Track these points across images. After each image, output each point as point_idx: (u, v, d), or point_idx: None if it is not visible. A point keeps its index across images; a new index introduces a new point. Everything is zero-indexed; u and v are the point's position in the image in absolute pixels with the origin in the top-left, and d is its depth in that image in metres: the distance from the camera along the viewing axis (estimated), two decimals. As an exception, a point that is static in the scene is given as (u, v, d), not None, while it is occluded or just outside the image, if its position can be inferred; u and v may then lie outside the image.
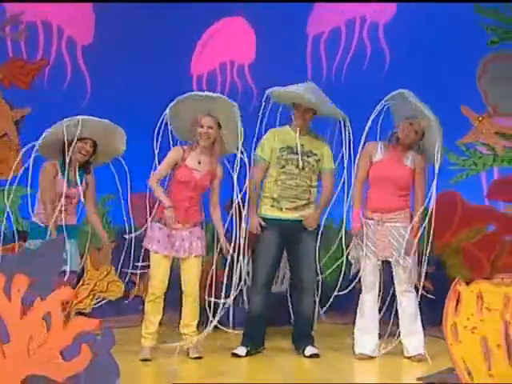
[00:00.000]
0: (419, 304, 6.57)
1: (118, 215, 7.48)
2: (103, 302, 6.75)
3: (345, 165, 6.89)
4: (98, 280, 6.02)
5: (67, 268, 6.37)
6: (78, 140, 6.62)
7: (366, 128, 6.67)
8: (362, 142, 6.73)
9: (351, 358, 6.60)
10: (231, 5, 8.78)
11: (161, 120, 6.73)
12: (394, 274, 6.70)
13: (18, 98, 8.24)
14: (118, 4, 8.58)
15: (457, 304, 3.36)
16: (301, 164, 6.76)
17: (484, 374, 3.30)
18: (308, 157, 6.83)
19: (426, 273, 6.66)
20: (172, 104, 6.77)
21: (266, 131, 6.98)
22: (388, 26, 8.72)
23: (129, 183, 6.97)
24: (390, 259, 6.65)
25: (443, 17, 8.03)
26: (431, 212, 6.65)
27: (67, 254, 6.58)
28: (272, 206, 6.86)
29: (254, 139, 6.92)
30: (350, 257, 6.87)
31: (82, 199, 6.78)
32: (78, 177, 6.74)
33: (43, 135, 6.63)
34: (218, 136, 6.71)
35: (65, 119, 6.60)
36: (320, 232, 6.95)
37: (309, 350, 6.72)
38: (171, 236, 6.61)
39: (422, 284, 6.66)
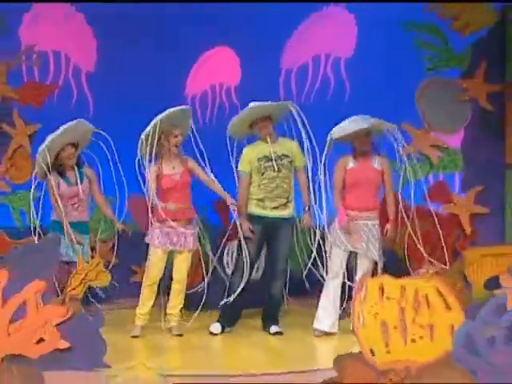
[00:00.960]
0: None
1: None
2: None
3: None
4: (89, 270, 5.99)
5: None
6: (61, 151, 6.76)
7: (325, 152, 6.81)
8: (323, 159, 6.80)
9: (311, 335, 6.66)
10: (220, 36, 8.78)
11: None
12: (358, 263, 6.76)
13: (31, 115, 8.28)
14: (118, 30, 8.54)
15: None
16: (276, 168, 6.81)
17: (383, 352, 3.41)
18: (281, 160, 6.85)
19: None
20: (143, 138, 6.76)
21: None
22: (348, 61, 8.75)
23: (126, 188, 7.03)
24: (359, 251, 6.71)
25: (391, 50, 8.09)
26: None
27: (82, 247, 6.81)
28: (257, 204, 6.89)
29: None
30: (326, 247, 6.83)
31: (82, 195, 6.84)
32: (77, 176, 6.86)
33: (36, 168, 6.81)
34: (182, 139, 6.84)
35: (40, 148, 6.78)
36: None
37: (273, 329, 6.79)
38: (169, 233, 6.71)
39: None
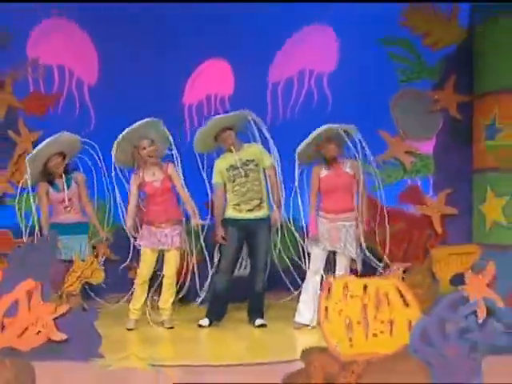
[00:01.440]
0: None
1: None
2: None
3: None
4: (84, 269, 6.07)
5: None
6: (48, 161, 6.84)
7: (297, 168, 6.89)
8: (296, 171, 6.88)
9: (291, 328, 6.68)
10: (215, 49, 8.84)
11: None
12: (337, 260, 6.75)
13: (36, 123, 8.32)
14: (118, 45, 8.59)
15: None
16: (244, 173, 6.81)
17: (347, 345, 3.47)
18: (247, 165, 6.85)
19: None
20: (115, 147, 6.84)
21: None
22: (330, 75, 8.87)
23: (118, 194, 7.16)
24: (338, 250, 6.71)
25: (369, 63, 8.16)
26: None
27: (81, 246, 6.86)
28: (234, 209, 6.89)
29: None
30: (307, 246, 6.91)
31: (66, 200, 6.88)
32: (64, 182, 6.89)
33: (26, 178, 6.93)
34: (157, 150, 6.82)
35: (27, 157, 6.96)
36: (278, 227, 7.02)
37: (258, 321, 6.80)
38: (156, 234, 6.73)
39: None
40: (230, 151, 6.89)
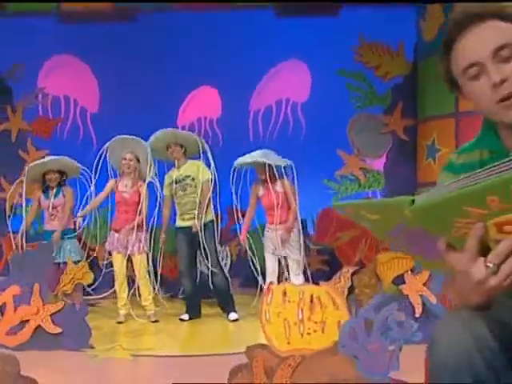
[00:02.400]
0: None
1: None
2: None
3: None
4: (76, 272, 6.13)
5: (72, 259, 6.61)
6: (46, 174, 6.90)
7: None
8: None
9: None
10: (205, 77, 8.91)
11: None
12: (288, 264, 6.77)
13: (42, 143, 8.43)
14: (118, 77, 8.68)
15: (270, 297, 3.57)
16: (182, 187, 6.76)
17: (285, 343, 3.46)
18: (184, 180, 6.76)
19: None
20: (107, 144, 6.87)
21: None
22: (304, 104, 8.94)
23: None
24: (282, 254, 6.75)
25: (332, 92, 8.20)
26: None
27: (65, 249, 6.83)
28: (180, 219, 6.87)
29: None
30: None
31: (50, 208, 6.89)
32: (54, 192, 6.90)
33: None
34: (138, 166, 6.79)
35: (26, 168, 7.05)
36: (215, 229, 6.82)
37: (231, 316, 6.74)
38: (119, 239, 6.67)
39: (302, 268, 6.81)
40: (175, 166, 6.87)
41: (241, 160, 6.87)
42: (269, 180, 6.70)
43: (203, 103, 9.28)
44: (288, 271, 6.84)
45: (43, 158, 8.03)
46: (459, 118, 6.77)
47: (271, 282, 3.58)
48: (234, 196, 7.03)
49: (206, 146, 7.03)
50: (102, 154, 7.01)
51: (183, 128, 9.06)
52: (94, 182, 7.07)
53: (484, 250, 1.41)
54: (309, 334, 3.51)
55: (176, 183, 6.80)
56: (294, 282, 6.47)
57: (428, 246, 1.51)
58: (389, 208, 1.47)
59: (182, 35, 8.62)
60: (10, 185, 8.20)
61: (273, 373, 3.33)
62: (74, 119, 8.95)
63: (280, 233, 6.66)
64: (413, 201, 1.38)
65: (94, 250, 7.67)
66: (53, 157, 7.04)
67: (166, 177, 6.97)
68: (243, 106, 9.02)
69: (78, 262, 6.64)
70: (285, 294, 3.47)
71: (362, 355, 3.36)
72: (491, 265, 1.40)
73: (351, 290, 5.92)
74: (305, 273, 6.96)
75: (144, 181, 6.81)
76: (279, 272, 6.89)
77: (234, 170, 7.00)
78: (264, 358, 3.32)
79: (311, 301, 3.49)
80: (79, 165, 7.09)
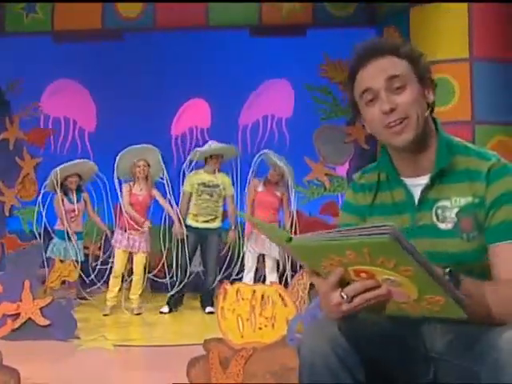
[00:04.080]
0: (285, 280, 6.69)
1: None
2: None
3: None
4: (63, 269, 6.21)
5: (77, 258, 6.86)
6: (67, 177, 6.99)
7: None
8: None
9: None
10: (196, 90, 8.99)
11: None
12: (265, 262, 6.85)
13: (37, 152, 8.51)
14: (114, 97, 8.78)
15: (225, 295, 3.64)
16: (209, 192, 6.85)
17: (238, 337, 3.52)
18: (215, 187, 6.87)
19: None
20: (120, 154, 6.85)
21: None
22: (288, 120, 9.06)
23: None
24: (264, 253, 6.81)
25: (299, 105, 8.35)
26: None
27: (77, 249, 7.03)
28: (192, 218, 6.89)
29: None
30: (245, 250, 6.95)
31: (77, 211, 7.05)
32: (75, 197, 7.06)
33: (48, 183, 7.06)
34: (149, 171, 6.85)
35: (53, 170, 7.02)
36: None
37: (208, 309, 6.77)
38: (128, 238, 6.73)
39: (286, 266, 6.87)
40: (208, 172, 6.92)
41: (272, 154, 6.93)
42: (275, 184, 6.85)
43: (194, 114, 9.36)
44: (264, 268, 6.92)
45: (35, 166, 8.22)
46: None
47: (226, 283, 3.60)
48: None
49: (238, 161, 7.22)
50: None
51: (176, 138, 9.14)
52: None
53: (343, 281, 1.55)
54: (260, 328, 3.56)
55: (206, 186, 6.86)
56: (269, 279, 6.67)
57: None
58: (274, 234, 1.60)
59: (171, 53, 8.69)
60: (7, 189, 8.30)
61: (227, 363, 3.39)
62: (72, 139, 9.10)
63: None
64: (290, 238, 1.50)
65: (87, 248, 7.73)
66: (78, 160, 7.16)
67: (193, 175, 6.98)
68: (232, 119, 9.11)
69: (80, 261, 6.84)
70: (238, 292, 3.52)
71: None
72: (345, 296, 1.54)
73: (312, 285, 5.96)
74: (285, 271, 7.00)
75: (154, 186, 6.98)
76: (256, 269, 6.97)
77: (256, 162, 7.11)
78: (219, 350, 3.39)
79: (262, 299, 3.55)
80: (96, 168, 7.21)
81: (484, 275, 1.66)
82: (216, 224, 6.93)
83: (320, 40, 7.75)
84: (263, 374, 3.38)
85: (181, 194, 7.01)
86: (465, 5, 6.45)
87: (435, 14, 6.56)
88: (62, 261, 6.59)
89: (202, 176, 6.95)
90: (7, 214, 8.32)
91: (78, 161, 7.19)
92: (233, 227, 7.03)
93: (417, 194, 1.77)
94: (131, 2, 7.75)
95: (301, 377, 1.67)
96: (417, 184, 1.78)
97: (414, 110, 1.71)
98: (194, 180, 6.93)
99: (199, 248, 7.09)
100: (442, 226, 1.72)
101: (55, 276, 6.01)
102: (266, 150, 7.06)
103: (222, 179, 6.97)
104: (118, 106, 8.79)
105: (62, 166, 6.98)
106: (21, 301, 5.34)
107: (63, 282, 6.54)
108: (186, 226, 6.92)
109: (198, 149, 7.18)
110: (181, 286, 6.91)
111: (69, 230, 6.96)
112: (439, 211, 1.73)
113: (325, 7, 7.75)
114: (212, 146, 7.02)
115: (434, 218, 1.73)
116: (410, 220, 1.77)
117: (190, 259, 6.93)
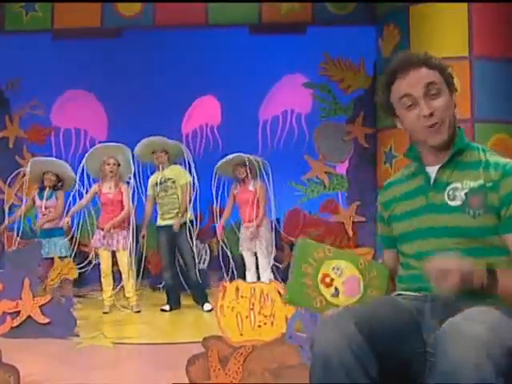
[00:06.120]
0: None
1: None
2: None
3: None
4: (63, 267, 6.20)
5: (58, 254, 6.70)
6: (44, 173, 6.93)
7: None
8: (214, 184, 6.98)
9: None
10: (207, 87, 9.05)
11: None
12: (259, 259, 6.74)
13: (36, 149, 8.48)
14: (124, 104, 8.80)
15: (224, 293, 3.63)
16: (163, 189, 6.79)
17: (237, 335, 3.53)
18: (166, 182, 6.79)
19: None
20: (89, 152, 6.87)
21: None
22: (307, 116, 9.04)
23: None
24: (254, 250, 6.74)
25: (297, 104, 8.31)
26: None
27: (55, 246, 6.87)
28: (160, 218, 6.91)
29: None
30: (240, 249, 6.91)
31: (43, 208, 6.92)
32: (48, 194, 6.96)
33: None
34: (118, 169, 6.81)
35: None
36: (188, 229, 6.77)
37: (206, 307, 6.74)
38: (105, 236, 6.68)
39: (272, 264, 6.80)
40: (157, 171, 6.91)
41: (219, 164, 6.89)
42: (246, 178, 6.72)
43: (204, 111, 9.46)
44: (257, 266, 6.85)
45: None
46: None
47: (225, 281, 3.59)
48: (214, 196, 7.07)
49: (188, 152, 7.07)
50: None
51: (187, 134, 9.14)
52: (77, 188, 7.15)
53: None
54: (259, 326, 3.57)
55: (158, 185, 6.83)
56: (262, 277, 6.63)
57: None
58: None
59: (171, 53, 8.68)
60: (7, 187, 8.27)
61: (226, 361, 3.37)
62: (83, 149, 9.05)
63: (251, 230, 6.66)
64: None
65: (86, 245, 7.71)
66: (55, 159, 7.10)
67: (150, 179, 6.99)
68: (245, 116, 9.10)
69: (65, 257, 6.70)
70: (237, 290, 3.52)
71: (306, 345, 3.43)
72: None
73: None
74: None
75: (124, 182, 6.89)
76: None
77: (216, 173, 7.03)
78: (219, 348, 3.35)
79: (261, 296, 3.55)
80: (76, 177, 7.10)
81: (492, 252, 1.88)
82: (183, 218, 6.80)
83: (320, 38, 7.76)
84: (262, 371, 3.36)
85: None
86: (464, 3, 6.45)
87: (435, 12, 6.56)
88: (62, 258, 6.56)
89: (154, 176, 6.96)
90: (7, 211, 8.28)
91: (55, 159, 7.15)
92: (180, 215, 6.79)
93: (433, 177, 2.03)
94: (131, 2, 7.74)
95: (313, 372, 1.71)
96: (434, 170, 2.03)
97: (447, 113, 1.99)
98: (151, 182, 6.96)
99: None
100: (452, 203, 1.95)
101: (55, 274, 6.00)
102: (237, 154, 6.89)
103: (174, 171, 6.89)
104: (127, 106, 8.88)
105: (38, 158, 7.00)
106: (20, 299, 5.32)
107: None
108: (157, 227, 6.93)
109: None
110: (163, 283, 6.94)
111: (33, 226, 7.03)
112: (451, 191, 1.96)
113: (325, 6, 7.75)
114: (144, 142, 6.95)
115: (446, 198, 1.96)
116: (426, 199, 2.02)
117: (171, 257, 6.93)
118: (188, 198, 6.79)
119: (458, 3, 6.44)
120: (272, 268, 6.81)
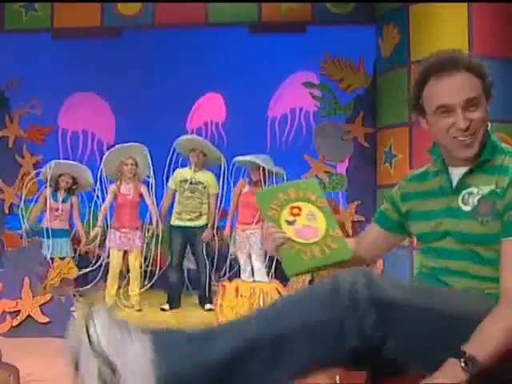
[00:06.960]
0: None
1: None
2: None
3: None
4: (63, 267, 6.22)
5: (64, 255, 6.75)
6: (60, 175, 7.00)
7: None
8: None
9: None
10: (213, 84, 8.97)
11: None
12: (253, 261, 6.39)
13: (36, 149, 8.50)
14: (130, 106, 8.77)
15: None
16: (191, 189, 6.83)
17: None
18: (197, 184, 6.85)
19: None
20: (107, 153, 6.92)
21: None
22: (307, 115, 9.01)
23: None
24: (250, 251, 6.54)
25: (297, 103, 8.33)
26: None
27: (61, 247, 7.01)
28: (177, 217, 6.92)
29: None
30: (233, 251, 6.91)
31: (60, 211, 7.00)
32: (63, 197, 7.04)
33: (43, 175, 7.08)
34: (137, 170, 6.86)
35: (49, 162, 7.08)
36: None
37: (207, 306, 6.55)
38: (121, 237, 6.78)
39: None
40: (191, 169, 6.93)
41: (241, 158, 6.91)
42: (259, 183, 6.72)
43: (209, 108, 9.39)
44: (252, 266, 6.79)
45: (35, 164, 8.21)
46: (413, 127, 6.85)
47: (224, 280, 3.62)
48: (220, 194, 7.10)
49: (224, 163, 7.14)
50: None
51: (192, 131, 9.14)
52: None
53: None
54: (259, 325, 3.56)
55: (187, 183, 6.84)
56: (257, 276, 6.61)
57: None
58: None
59: (171, 52, 8.68)
60: (7, 186, 8.30)
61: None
62: (91, 152, 9.15)
63: (247, 232, 6.65)
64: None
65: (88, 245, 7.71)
66: (77, 163, 7.21)
67: (177, 172, 7.00)
68: (251, 112, 8.99)
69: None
70: (237, 290, 3.54)
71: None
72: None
73: (311, 282, 5.99)
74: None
75: (142, 182, 6.97)
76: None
77: (233, 166, 7.09)
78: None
79: (261, 296, 3.56)
80: (93, 182, 7.19)
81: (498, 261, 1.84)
82: (201, 222, 6.91)
83: (320, 37, 7.75)
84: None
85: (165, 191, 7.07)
86: (464, 3, 6.45)
87: (435, 12, 6.56)
88: (61, 258, 6.58)
89: (185, 173, 6.97)
90: (7, 211, 8.32)
91: (74, 163, 7.22)
92: (209, 226, 6.92)
93: (455, 180, 1.98)
94: (131, 1, 7.76)
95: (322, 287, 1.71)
96: (458, 172, 1.97)
97: (482, 126, 1.92)
98: (177, 177, 6.97)
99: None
100: (464, 208, 1.92)
101: (55, 273, 6.02)
102: (239, 158, 6.97)
103: (207, 177, 6.96)
104: (133, 104, 8.79)
105: (58, 161, 7.03)
106: (20, 298, 5.34)
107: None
108: (172, 226, 6.96)
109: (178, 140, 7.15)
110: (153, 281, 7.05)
111: (43, 225, 7.03)
112: (466, 196, 1.93)
113: (324, 5, 7.75)
114: (189, 138, 7.04)
115: (460, 202, 1.94)
116: (445, 202, 1.99)
117: (181, 258, 7.01)
118: (216, 209, 6.98)
119: (457, 3, 6.43)
120: (267, 268, 6.79)
